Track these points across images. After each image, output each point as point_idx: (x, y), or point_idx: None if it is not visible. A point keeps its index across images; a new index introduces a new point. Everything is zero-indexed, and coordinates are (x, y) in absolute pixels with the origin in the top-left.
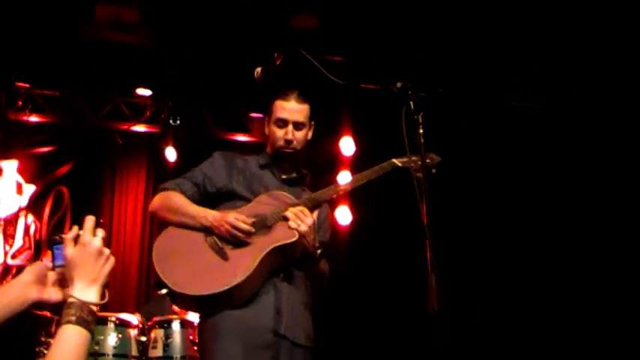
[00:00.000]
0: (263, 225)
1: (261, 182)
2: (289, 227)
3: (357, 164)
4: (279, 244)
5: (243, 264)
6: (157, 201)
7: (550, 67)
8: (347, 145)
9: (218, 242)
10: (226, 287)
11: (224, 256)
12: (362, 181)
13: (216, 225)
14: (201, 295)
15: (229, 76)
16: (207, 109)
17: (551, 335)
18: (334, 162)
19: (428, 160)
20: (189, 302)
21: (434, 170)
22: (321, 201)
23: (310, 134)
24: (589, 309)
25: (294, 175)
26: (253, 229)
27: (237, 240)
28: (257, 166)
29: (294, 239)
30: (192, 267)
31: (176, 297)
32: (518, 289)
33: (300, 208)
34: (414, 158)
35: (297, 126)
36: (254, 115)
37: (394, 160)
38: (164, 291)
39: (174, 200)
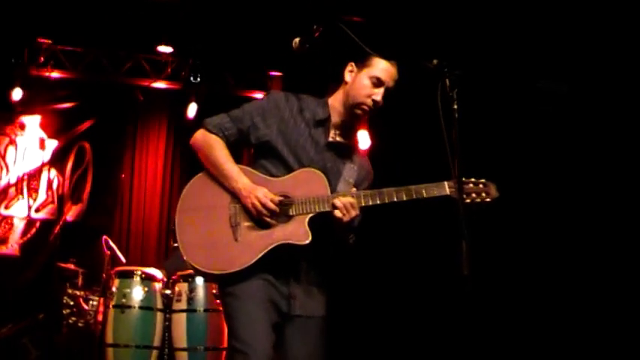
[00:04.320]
0: (285, 212)
1: (306, 145)
2: (337, 214)
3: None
4: (288, 242)
5: (246, 253)
6: (199, 141)
7: (579, 47)
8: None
9: (238, 214)
10: (220, 272)
11: (235, 235)
12: (407, 197)
13: (244, 194)
14: (197, 268)
15: (249, 35)
16: (227, 67)
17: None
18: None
19: (483, 194)
20: (190, 266)
21: (484, 204)
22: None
23: None
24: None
25: (341, 140)
26: (278, 210)
27: (257, 216)
28: (310, 121)
29: (305, 242)
30: (204, 234)
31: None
32: (546, 261)
33: (351, 200)
34: (470, 186)
35: (387, 92)
36: (273, 73)
37: (445, 185)
38: (176, 244)
39: (214, 152)
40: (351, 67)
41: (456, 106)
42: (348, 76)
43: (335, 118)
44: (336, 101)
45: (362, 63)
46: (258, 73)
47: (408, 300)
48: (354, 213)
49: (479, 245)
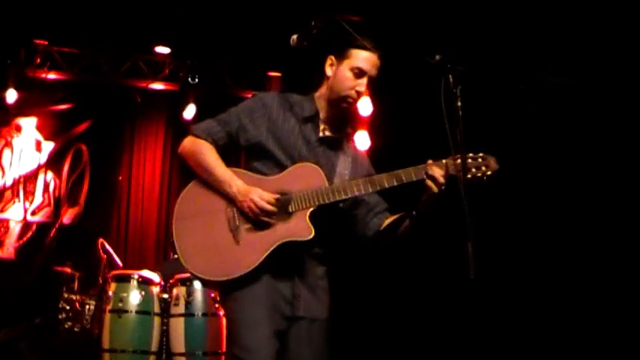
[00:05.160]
0: (284, 209)
1: (297, 142)
2: (429, 183)
3: (374, 125)
4: (292, 239)
5: (249, 255)
6: (188, 147)
7: (586, 41)
8: (365, 105)
9: (236, 217)
10: (225, 279)
11: (236, 238)
12: (406, 180)
13: (239, 199)
14: (200, 277)
15: (247, 35)
16: (226, 68)
17: (584, 312)
18: (351, 122)
19: (483, 168)
20: (193, 275)
21: (485, 178)
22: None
23: None
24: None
25: (332, 134)
26: (275, 210)
27: (256, 219)
28: (299, 119)
29: (308, 237)
30: (204, 241)
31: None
32: (554, 259)
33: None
34: (469, 161)
35: (370, 81)
36: (271, 73)
37: (445, 163)
38: (176, 256)
39: (204, 157)
40: (331, 60)
41: (459, 104)
42: (329, 70)
43: (323, 113)
44: (321, 96)
45: (341, 55)
46: (257, 74)
47: (411, 302)
48: (444, 182)
49: (484, 244)
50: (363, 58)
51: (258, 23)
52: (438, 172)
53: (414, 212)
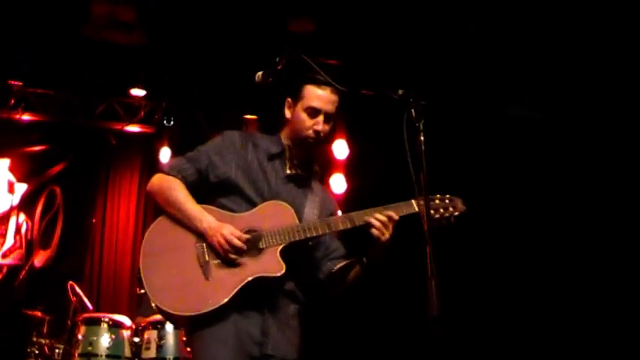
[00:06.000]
0: (254, 245)
1: (266, 179)
2: (375, 232)
3: (350, 168)
4: (262, 275)
5: (219, 291)
6: (157, 185)
7: (552, 75)
8: (340, 149)
9: (206, 253)
10: (194, 314)
11: (206, 274)
12: (354, 224)
13: (210, 234)
14: (167, 312)
15: (223, 77)
16: (201, 110)
17: (548, 343)
18: (327, 165)
19: (451, 209)
20: (160, 311)
21: (453, 219)
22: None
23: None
24: (586, 318)
25: (300, 172)
26: (245, 247)
27: (225, 255)
28: (266, 156)
29: (279, 274)
30: (172, 276)
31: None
32: (517, 295)
33: (390, 214)
34: (437, 202)
35: (328, 117)
36: (247, 117)
37: (413, 202)
38: (143, 290)
39: (174, 192)
40: (288, 103)
41: (422, 138)
42: (287, 113)
43: (289, 152)
44: (286, 137)
45: (296, 96)
46: (233, 117)
47: (378, 339)
48: (391, 230)
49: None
50: (316, 96)
51: (234, 66)
52: (380, 219)
53: (364, 259)
